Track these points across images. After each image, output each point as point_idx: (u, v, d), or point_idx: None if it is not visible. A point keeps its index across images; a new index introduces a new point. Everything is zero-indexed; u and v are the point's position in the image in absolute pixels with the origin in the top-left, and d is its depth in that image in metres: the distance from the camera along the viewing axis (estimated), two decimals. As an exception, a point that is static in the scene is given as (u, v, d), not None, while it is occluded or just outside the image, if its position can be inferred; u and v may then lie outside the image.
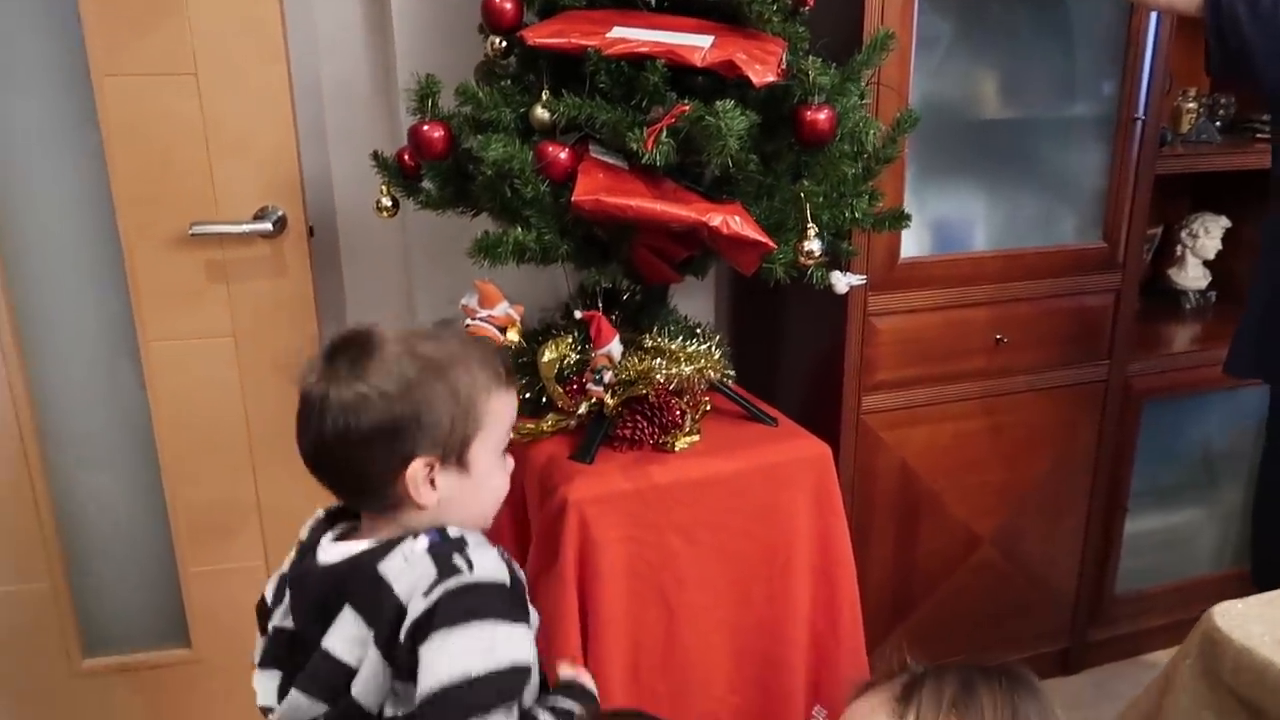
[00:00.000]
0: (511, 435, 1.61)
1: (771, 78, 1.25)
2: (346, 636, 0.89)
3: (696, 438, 1.58)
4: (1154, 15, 1.80)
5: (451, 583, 0.88)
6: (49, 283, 1.72)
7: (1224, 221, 2.38)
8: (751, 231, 1.26)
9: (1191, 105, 2.25)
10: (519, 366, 1.66)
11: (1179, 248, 2.43)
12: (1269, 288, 1.71)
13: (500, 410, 0.98)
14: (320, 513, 1.03)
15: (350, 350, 0.92)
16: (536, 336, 1.64)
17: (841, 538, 1.62)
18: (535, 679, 0.96)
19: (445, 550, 0.91)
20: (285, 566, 1.02)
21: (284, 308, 1.73)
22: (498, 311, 1.31)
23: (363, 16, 1.80)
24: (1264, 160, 1.77)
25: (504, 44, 1.35)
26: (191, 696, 1.92)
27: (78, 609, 1.85)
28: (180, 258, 1.67)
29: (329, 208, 1.87)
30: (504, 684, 0.87)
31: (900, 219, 1.50)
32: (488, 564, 0.92)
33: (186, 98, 1.58)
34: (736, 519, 1.55)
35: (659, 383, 1.51)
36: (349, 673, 0.89)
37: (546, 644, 1.52)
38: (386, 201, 1.51)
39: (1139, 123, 1.86)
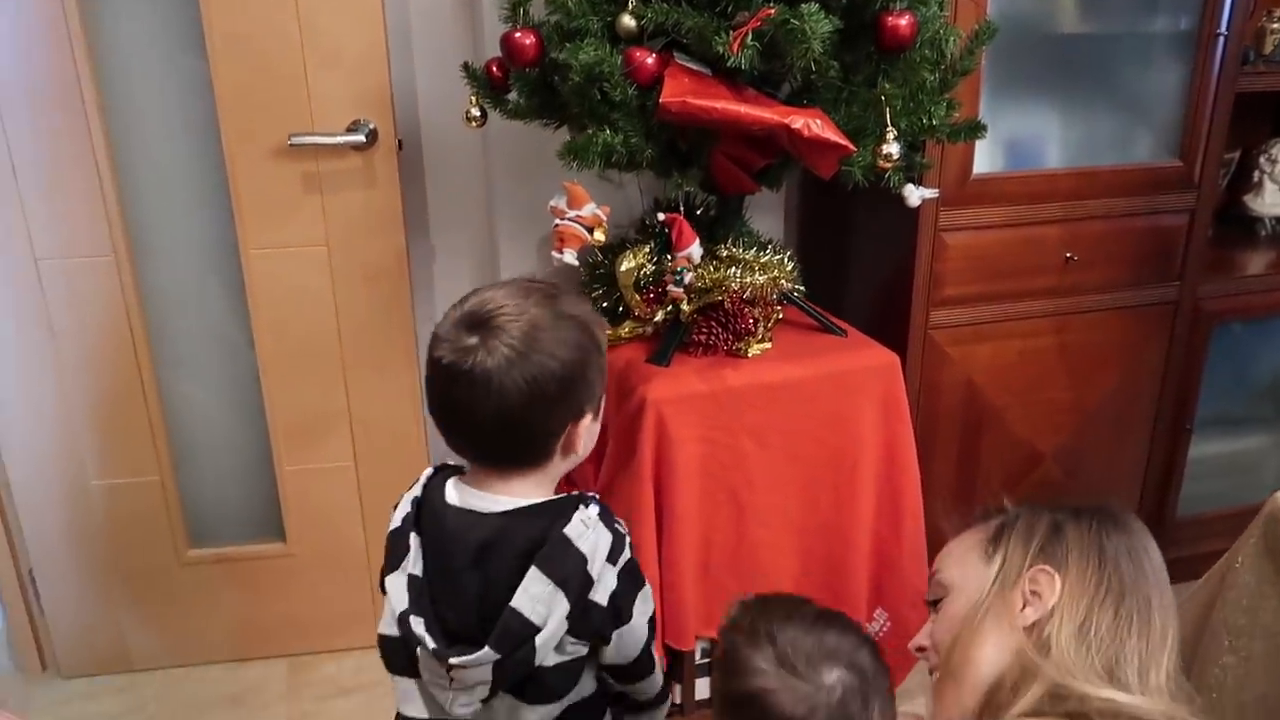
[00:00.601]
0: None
1: (855, -18, 1.27)
2: (535, 596, 0.95)
3: (768, 345, 1.63)
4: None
5: (629, 550, 1.02)
6: (157, 195, 1.82)
7: (1305, 146, 2.34)
8: (832, 134, 1.29)
9: (1276, 26, 2.19)
10: (597, 277, 1.73)
11: (1256, 173, 2.40)
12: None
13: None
14: (429, 471, 1.07)
15: (503, 322, 0.94)
16: (613, 249, 1.70)
17: (907, 446, 1.67)
18: None
19: (610, 517, 1.01)
20: (398, 523, 1.04)
21: (374, 219, 1.81)
22: (585, 212, 1.37)
23: (448, -69, 1.85)
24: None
25: (592, -47, 1.39)
26: (285, 588, 2.05)
27: (184, 503, 1.99)
28: (278, 169, 1.75)
29: (414, 122, 1.94)
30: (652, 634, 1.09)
31: (976, 129, 1.52)
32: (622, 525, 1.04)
33: (284, 7, 1.65)
34: (806, 424, 1.60)
35: (733, 290, 1.56)
36: (535, 630, 0.95)
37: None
38: (475, 112, 1.57)
39: (1221, 38, 1.83)
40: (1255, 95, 2.02)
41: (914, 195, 1.53)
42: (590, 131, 1.35)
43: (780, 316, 1.68)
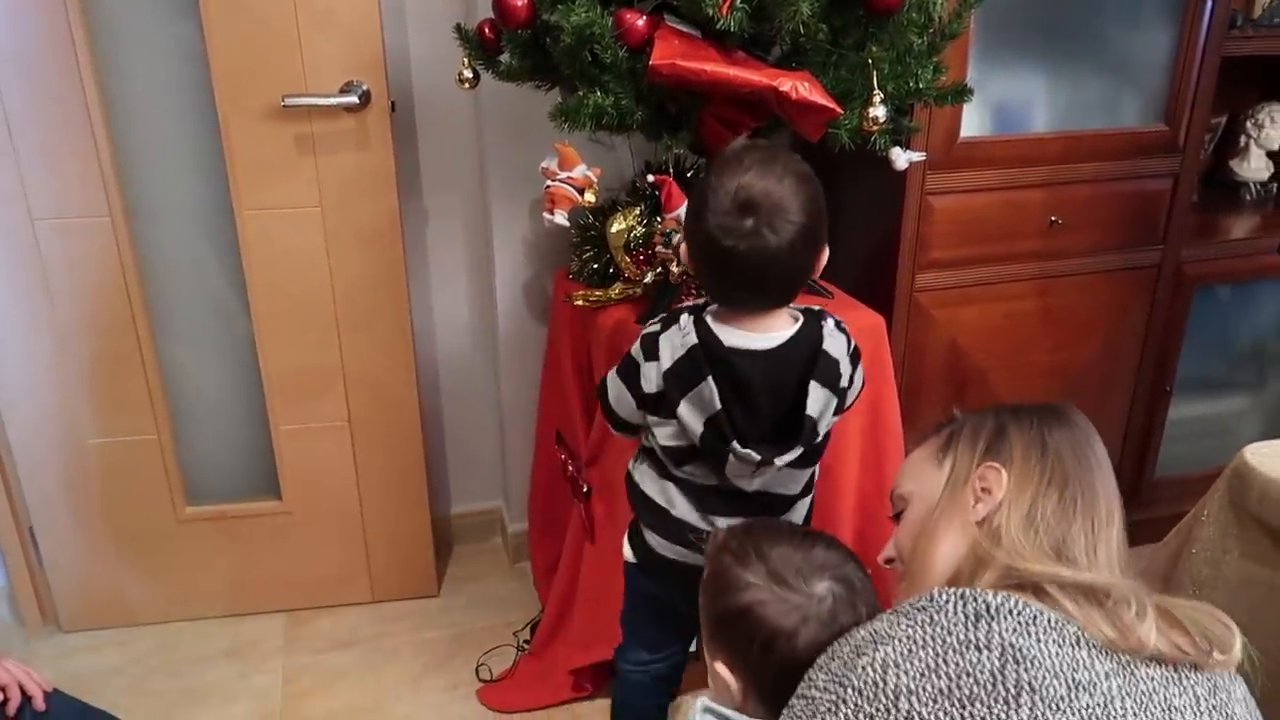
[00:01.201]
0: (580, 302, 1.72)
1: (843, -54, 1.28)
2: (819, 400, 1.18)
3: (757, 306, 1.65)
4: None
5: (854, 342, 1.26)
6: (152, 156, 1.83)
7: (1291, 111, 2.36)
8: (819, 97, 1.31)
9: (1265, -10, 2.21)
10: (588, 238, 1.76)
11: (1243, 138, 2.42)
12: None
13: None
14: (685, 318, 1.21)
15: (767, 203, 1.11)
16: (603, 211, 1.72)
17: (891, 408, 1.70)
18: None
19: (840, 323, 1.25)
20: (669, 362, 1.19)
21: (367, 180, 1.83)
22: (576, 174, 1.39)
23: (439, -107, 1.84)
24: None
25: (583, -85, 1.39)
26: (281, 544, 2.09)
27: (181, 461, 2.02)
28: (272, 130, 1.76)
29: (407, 84, 1.95)
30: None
31: (963, 93, 1.54)
32: None
33: (277, -31, 1.65)
34: (793, 384, 1.64)
35: (723, 252, 1.59)
36: (818, 426, 1.20)
37: (612, 497, 1.64)
38: (468, 73, 1.58)
39: (1208, 2, 1.85)
40: (1243, 59, 2.04)
41: (901, 158, 1.55)
42: (581, 93, 1.37)
43: (768, 278, 1.71)
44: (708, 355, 1.17)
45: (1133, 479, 2.26)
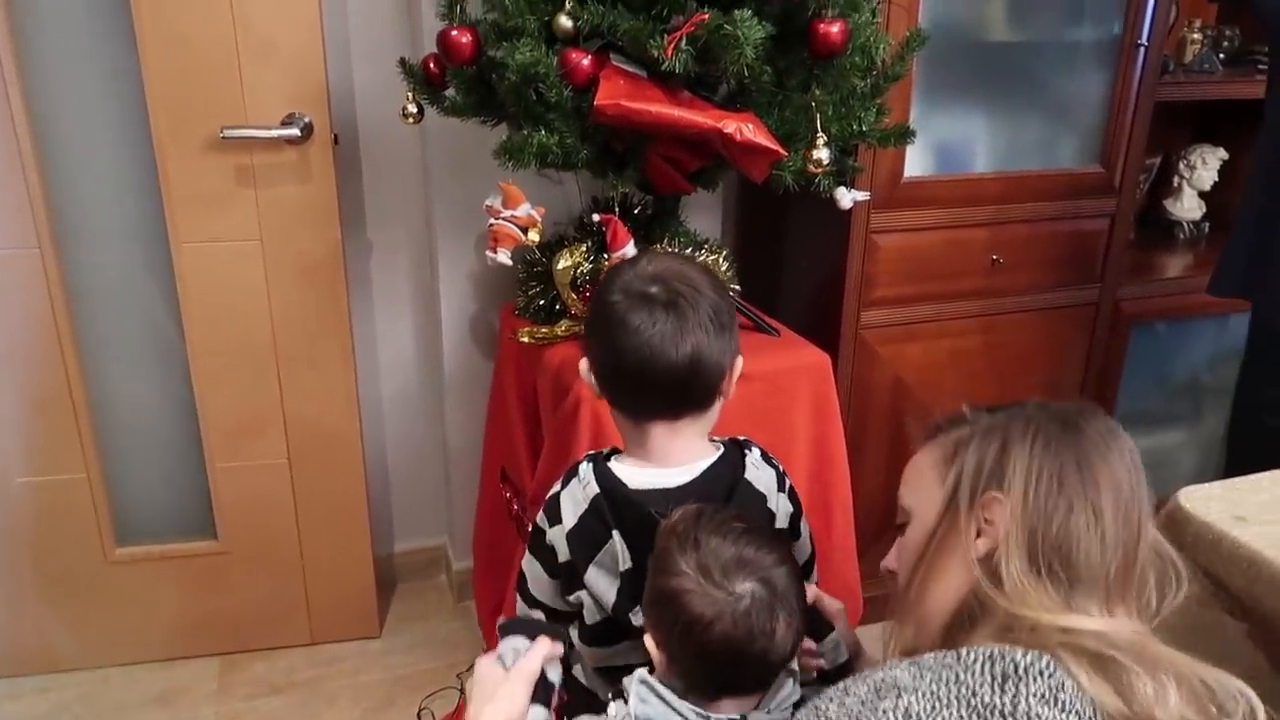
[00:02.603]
0: (525, 339, 1.70)
1: (787, -10, 1.30)
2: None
3: (704, 344, 1.65)
4: (1161, -57, 1.84)
5: (787, 476, 1.15)
6: (85, 187, 1.78)
7: (1221, 153, 2.43)
8: (764, 139, 1.32)
9: (1196, 36, 2.29)
10: (534, 275, 1.74)
11: (1176, 178, 2.49)
12: (1258, 209, 1.77)
13: None
14: (584, 467, 1.10)
15: (677, 289, 1.03)
16: (550, 247, 1.70)
17: (837, 444, 1.71)
18: None
19: (768, 454, 1.14)
20: (574, 521, 1.07)
21: (308, 213, 1.79)
22: (520, 212, 1.37)
23: (385, -73, 1.83)
24: (1263, 90, 1.82)
25: (529, -47, 1.39)
26: (216, 585, 2.03)
27: (111, 500, 1.95)
28: (210, 162, 1.72)
29: (351, 117, 1.92)
30: None
31: (905, 135, 1.56)
32: None
33: (217, 2, 1.62)
34: (738, 422, 1.61)
35: (669, 290, 1.58)
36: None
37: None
38: (412, 108, 1.56)
39: (1141, 48, 1.90)
40: (1175, 103, 2.10)
41: (846, 198, 1.56)
42: (526, 132, 1.36)
43: (715, 316, 1.70)
44: (612, 505, 1.05)
45: (1075, 513, 2.28)
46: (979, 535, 0.84)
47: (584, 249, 1.63)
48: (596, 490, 1.06)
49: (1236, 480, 1.15)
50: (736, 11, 1.25)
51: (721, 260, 1.67)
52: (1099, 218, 2.03)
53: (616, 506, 1.05)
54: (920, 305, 1.95)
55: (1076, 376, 2.16)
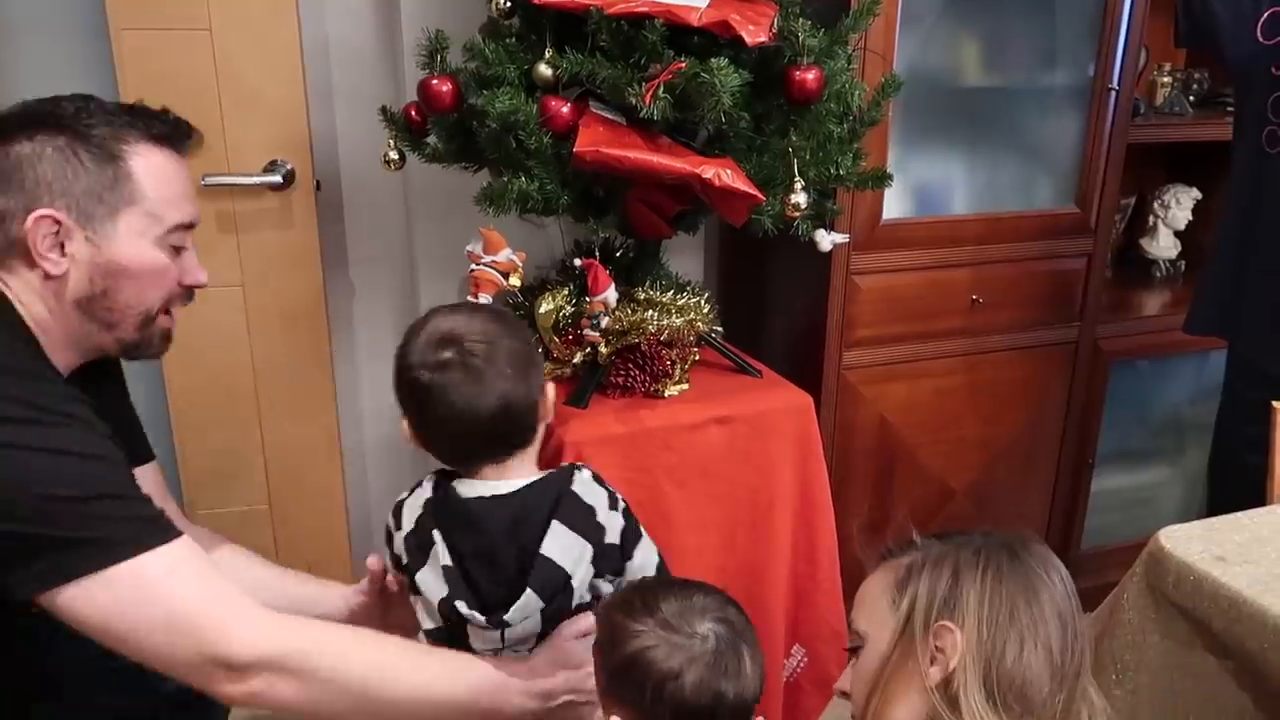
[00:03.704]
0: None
1: (763, 38, 1.32)
2: (564, 545, 1.07)
3: (685, 386, 1.65)
4: (1130, -12, 1.88)
5: (624, 502, 1.16)
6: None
7: (1195, 193, 2.47)
8: (742, 184, 1.33)
9: (1166, 79, 2.33)
10: (517, 319, 1.74)
11: (1151, 218, 2.53)
12: (1230, 248, 1.80)
13: None
14: (430, 478, 1.15)
15: (470, 348, 1.07)
16: (532, 291, 1.71)
17: (821, 486, 1.70)
18: None
19: (600, 478, 1.16)
20: (411, 524, 1.12)
21: (290, 258, 1.80)
22: (501, 258, 1.38)
23: (368, -24, 1.86)
24: (1231, 131, 1.86)
25: (508, 3, 1.41)
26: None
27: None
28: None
29: (334, 163, 1.93)
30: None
31: (882, 178, 1.58)
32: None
33: (200, 51, 1.64)
34: (722, 464, 1.63)
35: (650, 333, 1.59)
36: (568, 575, 1.08)
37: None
38: (393, 155, 1.57)
39: (1113, 93, 1.94)
40: (1149, 144, 2.14)
41: (825, 240, 1.58)
42: (506, 178, 1.37)
43: (697, 358, 1.71)
44: (439, 509, 1.11)
45: (1059, 552, 2.23)
46: (932, 663, 0.87)
47: (566, 293, 1.64)
48: (429, 495, 1.12)
49: (1216, 520, 1.16)
50: (713, 60, 1.27)
51: (703, 303, 1.67)
52: (1076, 257, 2.06)
53: (443, 509, 1.10)
54: (902, 345, 1.96)
55: (1058, 414, 2.17)
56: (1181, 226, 2.50)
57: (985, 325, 2.01)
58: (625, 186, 1.45)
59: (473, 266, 1.39)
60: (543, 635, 1.12)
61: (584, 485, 1.12)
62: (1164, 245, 2.53)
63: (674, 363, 1.63)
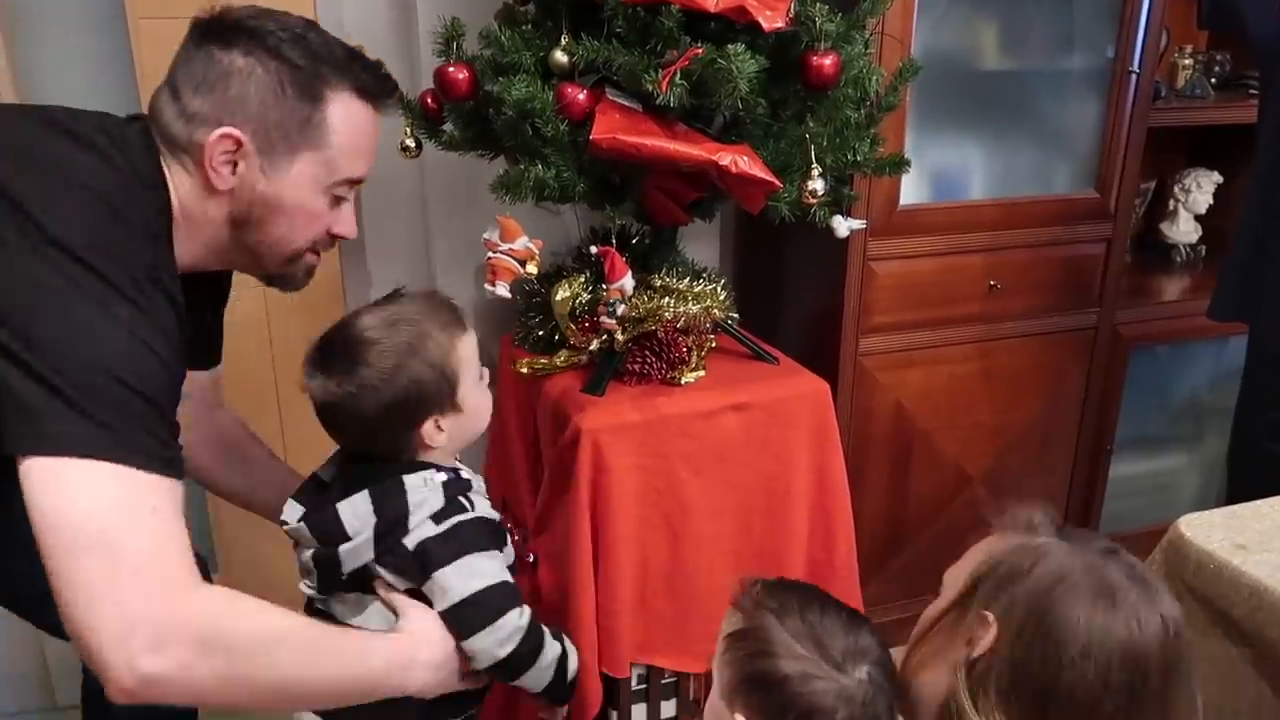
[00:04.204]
0: (524, 370, 1.70)
1: (780, 24, 1.31)
2: (355, 511, 1.09)
3: (702, 373, 1.65)
4: (1151, -30, 1.86)
5: (460, 517, 1.12)
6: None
7: (1216, 177, 2.45)
8: (759, 171, 1.33)
9: (1188, 62, 2.30)
10: (533, 305, 1.75)
11: (1172, 202, 2.51)
12: (1253, 233, 1.78)
13: (467, 354, 1.17)
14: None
15: (338, 354, 1.10)
16: (549, 278, 1.71)
17: (838, 472, 1.70)
18: None
19: (457, 489, 1.14)
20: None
21: (308, 247, 1.80)
22: (518, 245, 1.38)
23: (383, -36, 1.86)
24: (1255, 115, 1.84)
25: (524, -11, 1.41)
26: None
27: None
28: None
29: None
30: (506, 592, 1.14)
31: (900, 164, 1.57)
32: (483, 506, 1.17)
33: (217, 41, 1.64)
34: (739, 451, 1.63)
35: (667, 320, 1.59)
36: (343, 537, 1.10)
37: (559, 567, 1.61)
38: (410, 143, 1.58)
39: (1133, 75, 1.92)
40: (1170, 127, 2.12)
41: (842, 226, 1.57)
42: (523, 166, 1.37)
43: (714, 345, 1.71)
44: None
45: (1078, 537, 2.28)
46: (967, 644, 0.85)
47: (582, 280, 1.64)
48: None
49: (1237, 507, 1.15)
50: (730, 46, 1.26)
51: (719, 290, 1.67)
52: (1095, 242, 2.04)
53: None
54: (919, 331, 1.95)
55: (1077, 400, 2.16)
56: (1202, 210, 2.48)
57: (1003, 311, 2.00)
58: (642, 173, 1.44)
59: (490, 254, 1.40)
60: (325, 581, 1.14)
61: (421, 482, 1.11)
62: (1184, 230, 2.51)
63: (690, 350, 1.63)
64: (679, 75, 1.27)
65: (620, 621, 1.59)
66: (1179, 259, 2.51)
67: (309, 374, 1.12)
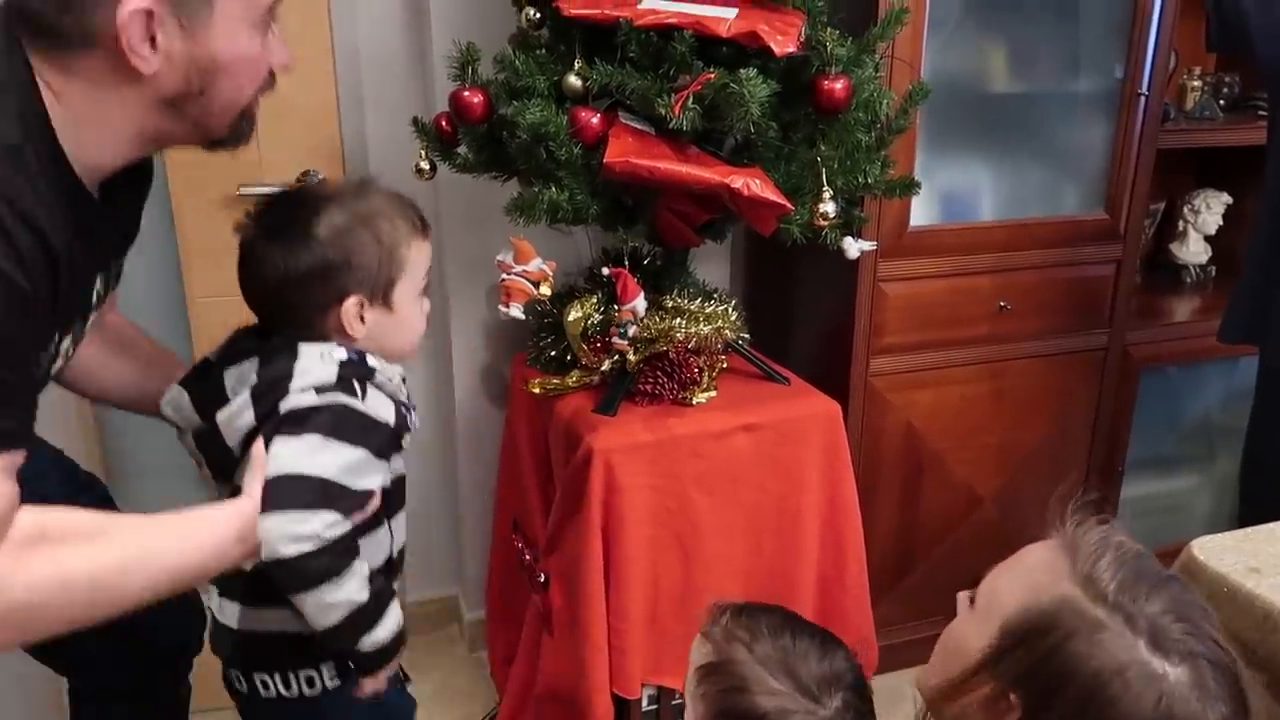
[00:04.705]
0: (536, 390, 1.70)
1: (792, 48, 1.32)
2: (241, 374, 1.05)
3: (713, 394, 1.66)
4: (1160, -9, 1.87)
5: (344, 399, 1.02)
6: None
7: (1225, 198, 2.45)
8: (770, 194, 1.34)
9: (1196, 83, 2.31)
10: (545, 326, 1.76)
11: (1181, 223, 2.51)
12: (1263, 255, 1.78)
13: (418, 258, 1.11)
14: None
15: (285, 204, 1.06)
16: (561, 298, 1.72)
17: (849, 493, 1.71)
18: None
19: (355, 372, 1.05)
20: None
21: (322, 267, 1.82)
22: (532, 267, 1.39)
23: (400, -12, 1.88)
24: (1264, 136, 1.84)
25: (538, 15, 1.43)
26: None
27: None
28: (226, 218, 1.75)
29: (365, 171, 1.95)
30: (333, 494, 0.99)
31: (910, 186, 1.58)
32: (379, 404, 1.07)
33: (235, 65, 1.66)
34: (750, 471, 1.63)
35: (679, 341, 1.60)
36: (221, 401, 1.05)
37: (570, 587, 1.62)
38: (425, 165, 1.59)
39: (1142, 98, 1.92)
40: (1179, 149, 2.13)
41: (853, 248, 1.58)
42: (537, 189, 1.38)
43: (725, 365, 1.72)
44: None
45: (1089, 558, 2.27)
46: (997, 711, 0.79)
47: (594, 300, 1.65)
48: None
49: (1250, 530, 1.15)
50: (742, 70, 1.28)
51: (730, 311, 1.68)
52: (1105, 263, 2.04)
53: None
54: (929, 352, 1.95)
55: (1087, 421, 2.15)
56: (1212, 231, 2.48)
57: (1013, 332, 2.00)
58: (654, 196, 1.46)
59: (504, 276, 1.41)
60: (218, 468, 1.09)
61: (318, 355, 1.04)
62: (1194, 250, 2.51)
63: (702, 370, 1.63)
64: (692, 99, 1.29)
65: (631, 641, 1.59)
66: (1189, 280, 2.51)
67: (250, 216, 1.06)
